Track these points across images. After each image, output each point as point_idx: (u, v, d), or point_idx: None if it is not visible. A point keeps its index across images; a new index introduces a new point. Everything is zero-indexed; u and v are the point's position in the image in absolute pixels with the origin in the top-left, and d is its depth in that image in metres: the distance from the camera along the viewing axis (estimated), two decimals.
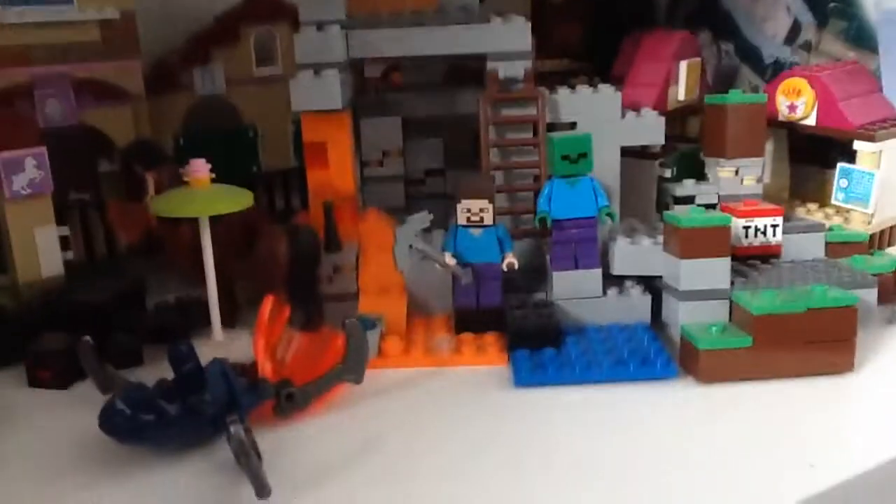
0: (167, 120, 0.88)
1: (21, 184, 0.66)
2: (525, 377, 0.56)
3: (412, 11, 0.69)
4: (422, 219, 0.59)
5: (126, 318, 0.64)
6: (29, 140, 0.67)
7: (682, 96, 0.78)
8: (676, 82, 0.78)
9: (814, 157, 0.78)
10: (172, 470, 0.48)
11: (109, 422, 0.47)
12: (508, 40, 0.67)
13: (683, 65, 0.78)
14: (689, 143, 0.79)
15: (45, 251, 0.69)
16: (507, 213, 0.69)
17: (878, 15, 0.73)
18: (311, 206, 0.67)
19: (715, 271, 0.59)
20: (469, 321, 0.62)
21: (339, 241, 0.65)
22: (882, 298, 0.65)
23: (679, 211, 0.68)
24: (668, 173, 0.77)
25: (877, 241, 0.73)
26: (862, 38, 0.75)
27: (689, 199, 0.70)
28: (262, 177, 0.89)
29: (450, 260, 0.60)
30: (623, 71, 0.81)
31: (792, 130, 0.75)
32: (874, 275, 0.64)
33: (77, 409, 0.55)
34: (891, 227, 0.74)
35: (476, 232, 0.60)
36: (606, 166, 0.70)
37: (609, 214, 0.61)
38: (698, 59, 0.80)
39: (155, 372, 0.53)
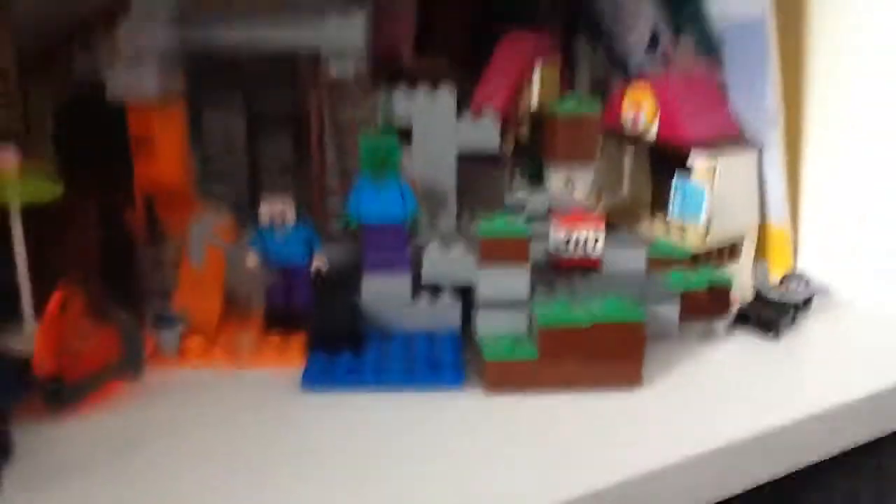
0: (45, 103, 0.88)
1: None
2: (313, 379, 0.57)
3: (249, 3, 0.68)
4: (220, 215, 0.59)
5: None
6: None
7: (535, 101, 0.78)
8: (530, 86, 0.78)
9: (676, 169, 0.78)
10: None
11: None
12: (341, 36, 0.67)
13: (538, 68, 0.78)
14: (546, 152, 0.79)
15: None
16: (338, 215, 0.69)
17: (721, 26, 0.73)
18: (137, 199, 0.67)
19: (513, 280, 0.59)
20: (278, 321, 0.62)
21: (163, 234, 0.65)
22: (697, 314, 0.66)
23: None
24: (517, 179, 0.77)
25: (716, 258, 0.74)
26: (711, 49, 0.75)
27: (521, 208, 0.70)
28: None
29: (252, 260, 0.60)
30: None
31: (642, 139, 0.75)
32: (686, 291, 0.64)
33: None
34: (733, 245, 0.75)
35: (281, 231, 0.60)
36: (442, 171, 0.70)
37: (415, 220, 0.61)
38: (555, 63, 0.80)
39: None
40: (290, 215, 0.60)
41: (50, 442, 0.51)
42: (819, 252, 0.74)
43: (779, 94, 0.71)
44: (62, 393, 0.51)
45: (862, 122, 0.71)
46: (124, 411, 0.54)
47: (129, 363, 0.54)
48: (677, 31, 0.79)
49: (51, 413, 0.52)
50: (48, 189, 0.60)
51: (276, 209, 0.59)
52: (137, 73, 0.62)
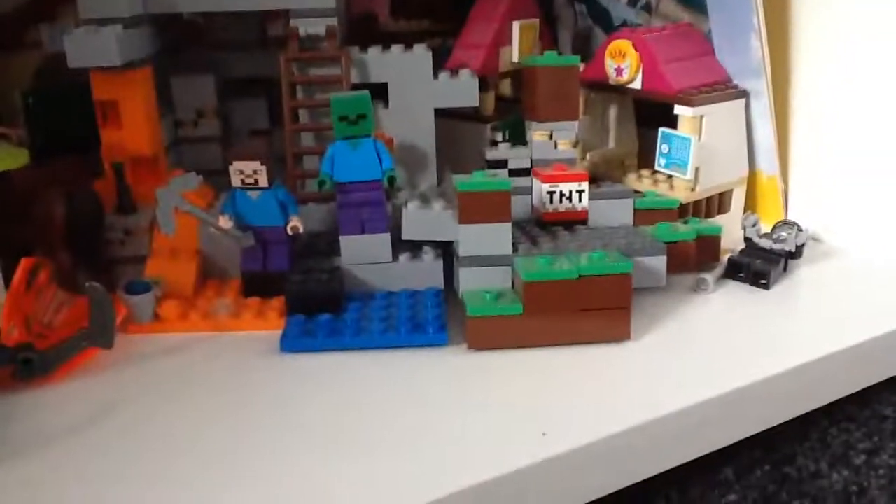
0: (14, 78, 0.85)
1: None
2: (291, 342, 0.55)
3: None
4: (188, 179, 0.58)
5: None
6: None
7: (515, 58, 0.76)
8: (510, 44, 0.76)
9: (662, 121, 0.76)
10: None
11: None
12: None
13: (516, 25, 0.75)
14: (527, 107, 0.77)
15: None
16: (314, 176, 0.67)
17: None
18: (105, 167, 0.65)
19: (495, 237, 0.57)
20: (256, 285, 0.61)
21: (133, 203, 0.64)
22: (686, 266, 0.64)
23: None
24: (499, 137, 0.75)
25: (704, 210, 0.72)
26: (695, 0, 0.73)
27: (503, 164, 0.68)
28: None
29: (225, 223, 0.58)
30: None
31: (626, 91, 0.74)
32: (674, 242, 0.63)
33: None
34: (721, 195, 0.73)
35: (254, 195, 0.59)
36: (420, 129, 0.69)
37: (392, 178, 0.59)
38: (535, 21, 0.78)
39: None
40: (262, 178, 0.58)
41: (28, 410, 0.49)
42: (809, 200, 0.73)
43: (764, 43, 0.69)
44: (32, 362, 0.50)
45: (850, 68, 0.69)
46: (102, 378, 0.53)
47: (99, 333, 0.52)
48: None
49: (21, 382, 0.50)
50: (12, 156, 0.58)
51: (248, 171, 0.57)
52: (100, 38, 0.59)
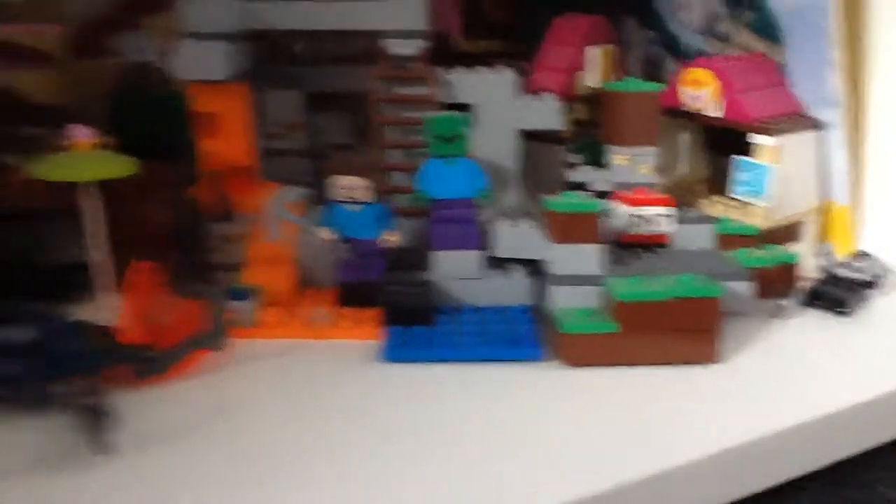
0: (96, 85, 0.88)
1: None
2: (392, 352, 0.57)
3: None
4: (294, 192, 0.60)
5: (12, 277, 0.64)
6: None
7: (593, 82, 0.78)
8: (587, 68, 0.78)
9: (734, 148, 0.78)
10: (26, 423, 0.49)
11: None
12: (402, 18, 0.67)
13: (595, 51, 0.78)
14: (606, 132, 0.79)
15: None
16: (404, 192, 0.69)
17: (784, 9, 0.73)
18: (203, 176, 0.67)
19: (586, 256, 0.59)
20: (352, 296, 0.63)
21: (230, 211, 0.66)
22: (766, 292, 0.66)
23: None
24: (575, 158, 0.77)
25: (778, 238, 0.73)
26: (770, 30, 0.75)
27: (583, 186, 0.70)
28: (193, 143, 0.89)
29: (325, 234, 0.60)
30: None
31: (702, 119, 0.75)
32: (755, 269, 0.64)
33: None
34: (794, 224, 0.75)
35: (354, 208, 0.61)
36: (502, 149, 0.70)
37: (486, 196, 0.61)
38: (611, 46, 0.80)
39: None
40: (363, 193, 0.60)
41: (144, 408, 0.51)
42: (883, 232, 0.74)
43: (841, 75, 0.70)
44: (152, 362, 0.52)
45: None
46: (211, 379, 0.55)
47: (213, 336, 0.54)
48: (735, 11, 0.79)
49: (140, 381, 0.52)
50: (123, 165, 0.60)
51: (349, 186, 0.59)
52: (207, 52, 0.62)
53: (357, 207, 0.61)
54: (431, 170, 0.61)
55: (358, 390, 0.54)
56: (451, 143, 0.60)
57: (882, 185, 0.74)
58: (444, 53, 0.88)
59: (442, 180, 0.61)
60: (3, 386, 0.48)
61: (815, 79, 0.73)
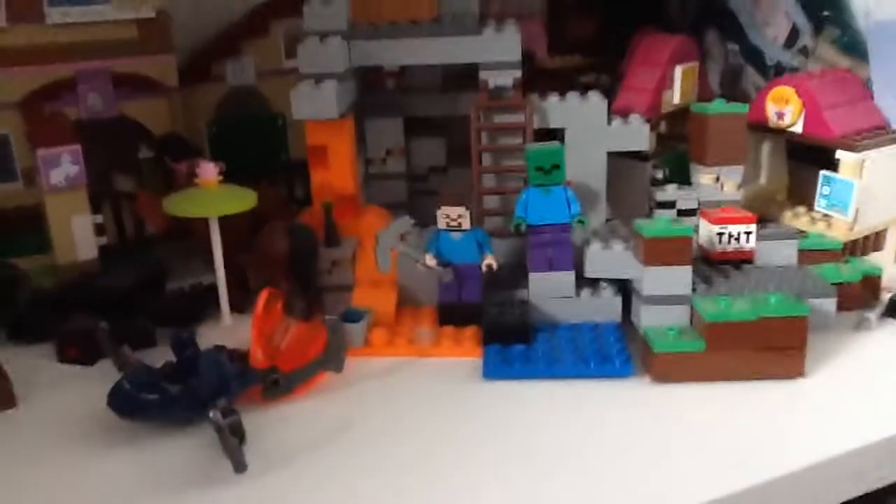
0: (200, 109, 0.95)
1: (59, 178, 0.74)
2: (493, 370, 0.62)
3: (410, 21, 0.73)
4: (403, 223, 0.65)
5: (144, 301, 0.71)
6: (65, 138, 0.75)
7: (676, 100, 0.81)
8: (671, 86, 0.81)
9: (814, 159, 0.80)
10: (170, 444, 0.55)
11: (115, 400, 0.55)
12: (499, 50, 0.71)
13: (679, 69, 0.80)
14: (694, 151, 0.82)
15: (80, 237, 0.76)
16: (498, 214, 0.74)
17: (868, 26, 0.74)
18: (314, 205, 0.73)
19: (676, 278, 0.63)
20: (451, 315, 0.68)
21: (338, 237, 0.71)
22: (850, 305, 0.68)
23: (657, 216, 0.73)
24: (660, 175, 0.80)
25: (860, 248, 0.75)
26: (854, 46, 0.77)
27: (670, 204, 0.73)
28: (289, 164, 0.95)
29: (430, 261, 0.65)
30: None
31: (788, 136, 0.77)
32: (840, 283, 0.67)
33: (96, 385, 0.62)
34: (876, 234, 0.77)
35: (456, 235, 0.65)
36: (592, 171, 0.74)
37: (581, 221, 0.65)
38: (695, 64, 0.82)
39: (167, 354, 0.60)
40: (466, 221, 0.64)
41: (273, 426, 0.57)
42: None
43: None
44: (279, 383, 0.58)
45: None
46: (332, 398, 0.60)
47: (334, 358, 0.60)
48: (819, 27, 0.80)
49: (268, 401, 0.58)
50: (247, 199, 0.66)
51: (454, 215, 0.64)
52: (321, 94, 0.67)
53: (459, 235, 0.65)
54: (531, 197, 0.65)
55: (465, 405, 0.59)
56: (549, 173, 0.64)
57: None
58: (530, 71, 0.93)
59: (540, 207, 0.65)
60: (162, 408, 0.54)
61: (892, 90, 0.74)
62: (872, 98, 0.77)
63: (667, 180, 0.79)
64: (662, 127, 0.86)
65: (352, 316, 0.65)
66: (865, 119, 0.75)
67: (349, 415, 0.58)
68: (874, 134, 0.74)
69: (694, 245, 0.71)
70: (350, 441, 0.55)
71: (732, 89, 0.93)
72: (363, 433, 0.56)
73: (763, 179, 0.85)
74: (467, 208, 0.64)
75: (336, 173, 0.72)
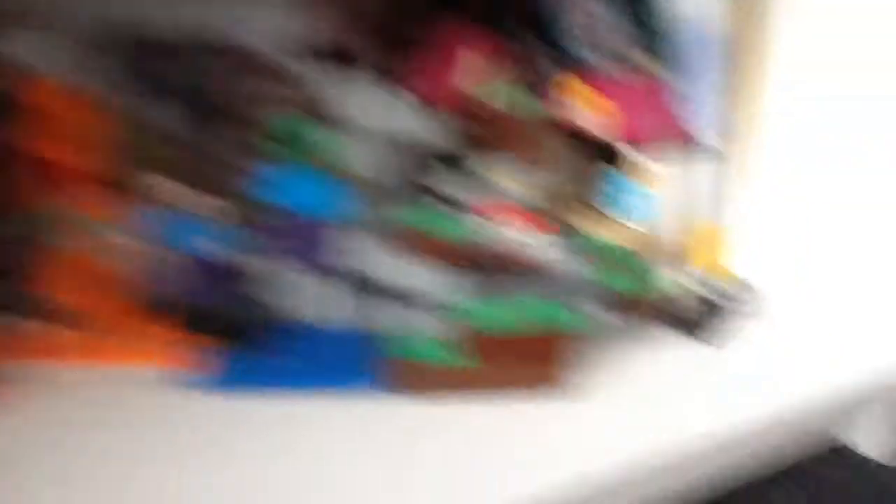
0: None
1: None
2: (215, 381, 0.51)
3: None
4: (96, 192, 0.53)
5: None
6: None
7: (471, 92, 0.74)
8: (467, 77, 0.74)
9: (610, 161, 0.75)
10: None
11: None
12: (261, 18, 0.61)
13: (476, 59, 0.73)
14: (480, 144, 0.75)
15: None
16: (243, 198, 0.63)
17: (675, 27, 0.70)
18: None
19: (433, 278, 0.55)
20: (171, 312, 0.56)
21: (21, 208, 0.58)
22: (629, 315, 0.62)
23: (429, 207, 0.65)
24: (445, 169, 0.73)
25: (652, 257, 0.70)
26: (660, 51, 0.72)
27: (445, 196, 0.65)
28: None
29: (142, 245, 0.54)
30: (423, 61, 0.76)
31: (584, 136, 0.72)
32: (621, 290, 0.61)
33: None
34: (668, 243, 0.72)
35: (180, 219, 0.55)
36: (367, 158, 0.65)
37: (331, 208, 0.56)
38: (494, 55, 0.76)
39: None
40: (190, 200, 0.54)
41: None
42: (752, 253, 0.72)
43: (729, 100, 0.68)
44: None
45: (803, 129, 0.68)
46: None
47: None
48: (628, 30, 0.75)
49: None
50: None
51: (174, 194, 0.53)
52: (43, 43, 0.55)
53: (184, 218, 0.55)
54: (270, 176, 0.56)
55: (170, 430, 0.48)
56: (292, 147, 0.55)
57: (758, 208, 0.72)
58: (318, 54, 0.84)
59: (283, 188, 0.55)
60: None
61: (703, 103, 0.70)
62: (677, 106, 0.72)
63: (448, 170, 0.72)
64: (457, 122, 0.78)
65: (24, 309, 0.53)
66: (668, 126, 0.71)
67: (13, 443, 0.46)
68: (673, 141, 0.69)
69: (465, 243, 0.65)
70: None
71: (537, 90, 0.87)
72: (24, 473, 0.44)
73: (555, 177, 0.79)
74: (188, 185, 0.54)
75: (68, 145, 0.60)
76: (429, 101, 0.68)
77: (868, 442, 0.63)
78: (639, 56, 0.76)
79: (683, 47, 0.70)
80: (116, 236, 0.55)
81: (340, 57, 0.87)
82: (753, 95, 0.71)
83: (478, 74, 0.75)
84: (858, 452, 0.63)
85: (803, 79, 0.68)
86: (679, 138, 0.69)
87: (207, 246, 0.56)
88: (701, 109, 0.70)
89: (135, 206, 0.57)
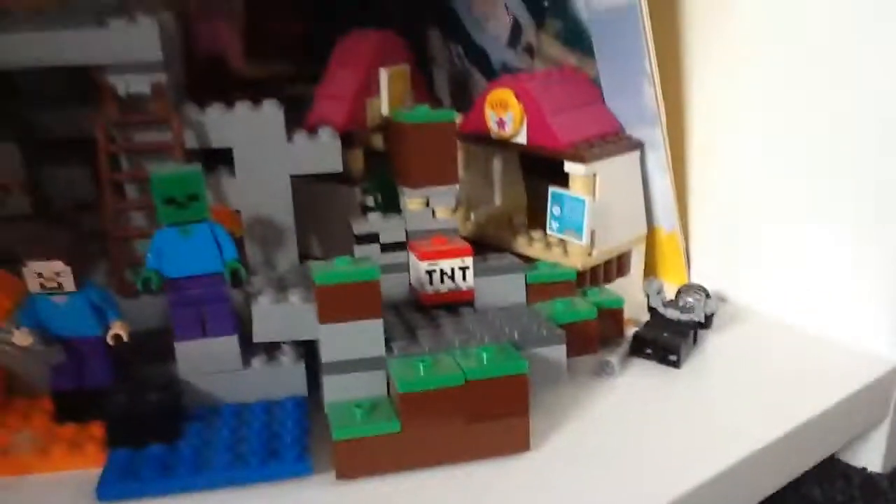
0: None
1: None
2: (109, 489, 0.44)
3: (26, 10, 0.55)
4: None
5: None
6: None
7: (386, 110, 0.67)
8: (379, 93, 0.67)
9: (551, 174, 0.69)
10: None
11: None
12: (131, 48, 0.54)
13: (384, 73, 0.66)
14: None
15: None
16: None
17: (588, 14, 0.64)
18: None
19: (365, 336, 0.48)
20: (70, 409, 0.49)
21: None
22: (587, 348, 0.56)
23: (358, 252, 0.58)
24: (370, 201, 0.66)
25: (601, 276, 0.65)
26: (578, 40, 0.66)
27: (374, 237, 0.59)
28: None
29: (22, 339, 0.46)
30: None
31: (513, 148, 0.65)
32: (575, 322, 0.55)
33: None
34: (618, 257, 0.66)
35: (59, 300, 0.47)
36: (275, 199, 0.59)
37: (235, 268, 0.48)
38: (406, 66, 0.69)
39: None
40: (67, 280, 0.46)
41: None
42: (713, 257, 0.66)
43: (657, 88, 0.62)
44: None
45: (747, 116, 0.63)
46: None
47: None
48: (541, 21, 0.69)
49: None
50: None
51: (48, 273, 0.45)
52: None
53: (64, 299, 0.47)
54: (164, 241, 0.48)
55: None
56: (185, 207, 0.48)
57: (709, 206, 0.66)
58: (219, 81, 0.76)
59: (178, 254, 0.48)
60: None
61: (630, 94, 0.64)
62: (602, 100, 0.66)
63: (378, 207, 0.65)
64: (378, 142, 0.72)
65: None
66: (597, 125, 0.65)
67: None
68: (606, 141, 0.63)
69: (404, 287, 0.58)
70: None
71: (462, 98, 0.81)
72: None
73: (497, 201, 0.73)
74: (67, 262, 0.46)
75: None
76: (338, 126, 0.61)
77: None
78: (554, 46, 0.70)
79: (598, 28, 0.64)
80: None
81: (239, 82, 0.80)
82: (677, 75, 0.65)
83: (391, 89, 0.68)
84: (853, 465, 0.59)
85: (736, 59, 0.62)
86: (608, 135, 0.64)
87: (98, 326, 0.48)
88: (627, 99, 0.64)
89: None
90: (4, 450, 0.47)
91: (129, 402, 0.47)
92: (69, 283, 0.46)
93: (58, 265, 0.45)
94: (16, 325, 0.46)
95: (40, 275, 0.46)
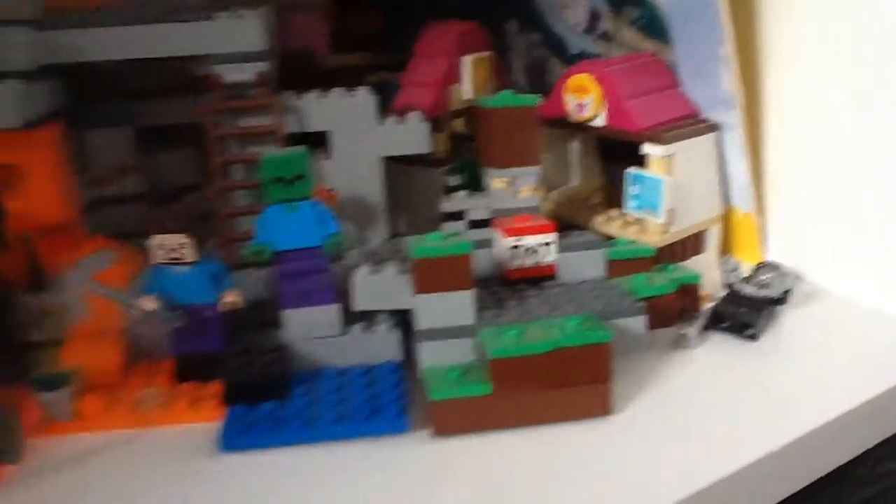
0: None
1: None
2: (230, 441, 0.48)
3: (114, 5, 0.59)
4: (101, 258, 0.50)
5: None
6: None
7: (469, 95, 0.71)
8: (461, 80, 0.70)
9: (627, 156, 0.71)
10: None
11: None
12: (235, 40, 0.58)
13: (468, 60, 0.70)
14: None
15: None
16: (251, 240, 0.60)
17: (668, 4, 0.66)
18: (10, 241, 0.57)
19: (455, 306, 0.51)
20: (189, 370, 0.54)
21: (44, 278, 0.56)
22: (666, 321, 0.59)
23: (446, 229, 0.61)
24: (455, 181, 0.69)
25: (678, 253, 0.67)
26: (656, 27, 0.68)
27: (459, 215, 0.62)
28: None
29: (149, 303, 0.51)
30: None
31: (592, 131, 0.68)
32: (653, 297, 0.57)
33: None
34: (695, 235, 0.68)
35: (181, 270, 0.52)
36: (367, 179, 0.62)
37: (337, 242, 0.52)
38: (488, 54, 0.72)
39: None
40: (189, 252, 0.50)
41: None
42: (788, 237, 0.68)
43: (735, 72, 0.64)
44: None
45: (823, 98, 0.64)
46: (13, 493, 0.45)
47: (4, 448, 0.44)
48: (619, 8, 0.71)
49: None
50: None
51: (171, 245, 0.50)
52: None
53: (185, 269, 0.51)
54: (272, 217, 0.52)
55: (190, 490, 0.45)
56: (291, 185, 0.52)
57: (785, 187, 0.68)
58: (309, 72, 0.80)
59: (285, 229, 0.52)
60: None
61: (707, 79, 0.66)
62: (679, 84, 0.68)
63: (462, 187, 0.68)
64: (460, 126, 0.75)
65: (49, 382, 0.50)
66: (674, 108, 0.67)
67: None
68: (683, 124, 0.65)
69: (489, 262, 0.61)
70: None
71: (539, 84, 0.83)
72: None
73: (574, 181, 0.76)
74: (189, 235, 0.50)
75: (37, 199, 0.57)
76: (424, 110, 0.65)
77: None
78: (631, 33, 0.72)
79: (676, 15, 0.66)
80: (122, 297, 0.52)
81: (326, 71, 0.84)
82: (754, 60, 0.67)
83: (473, 76, 0.71)
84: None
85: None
86: (685, 118, 0.66)
87: (215, 294, 0.52)
88: (704, 83, 0.66)
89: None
90: (132, 406, 0.52)
91: (244, 364, 0.51)
92: (191, 254, 0.51)
93: (181, 238, 0.50)
94: (144, 292, 0.51)
95: (164, 246, 0.50)
